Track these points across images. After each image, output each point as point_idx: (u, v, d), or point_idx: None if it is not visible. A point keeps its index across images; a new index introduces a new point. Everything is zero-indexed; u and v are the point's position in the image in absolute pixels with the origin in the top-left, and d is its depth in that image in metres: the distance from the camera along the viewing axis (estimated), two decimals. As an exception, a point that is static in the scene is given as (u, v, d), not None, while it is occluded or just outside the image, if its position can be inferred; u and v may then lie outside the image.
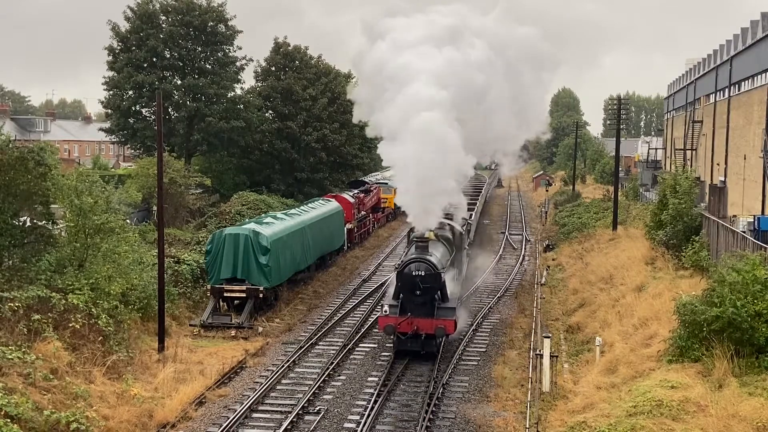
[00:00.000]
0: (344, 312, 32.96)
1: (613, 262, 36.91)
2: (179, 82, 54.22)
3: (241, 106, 55.55)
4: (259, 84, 61.01)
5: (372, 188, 57.06)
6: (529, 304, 34.88)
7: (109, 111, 55.28)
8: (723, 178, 49.90)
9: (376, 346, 28.02)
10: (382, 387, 23.08)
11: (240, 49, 56.33)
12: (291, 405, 21.80)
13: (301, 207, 41.76)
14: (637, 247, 37.14)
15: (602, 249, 42.58)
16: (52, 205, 27.11)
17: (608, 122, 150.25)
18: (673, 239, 33.58)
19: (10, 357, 19.03)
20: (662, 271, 31.23)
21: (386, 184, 58.76)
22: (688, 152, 63.48)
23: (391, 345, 26.32)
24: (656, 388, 18.07)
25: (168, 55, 53.69)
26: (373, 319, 30.80)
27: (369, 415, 20.78)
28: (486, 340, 29.13)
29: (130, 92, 53.54)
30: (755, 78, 45.06)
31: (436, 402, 22.02)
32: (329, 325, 30.80)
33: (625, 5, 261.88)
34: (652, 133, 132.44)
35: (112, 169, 70.43)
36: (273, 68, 61.15)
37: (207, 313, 29.87)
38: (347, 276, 41.65)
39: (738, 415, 16.20)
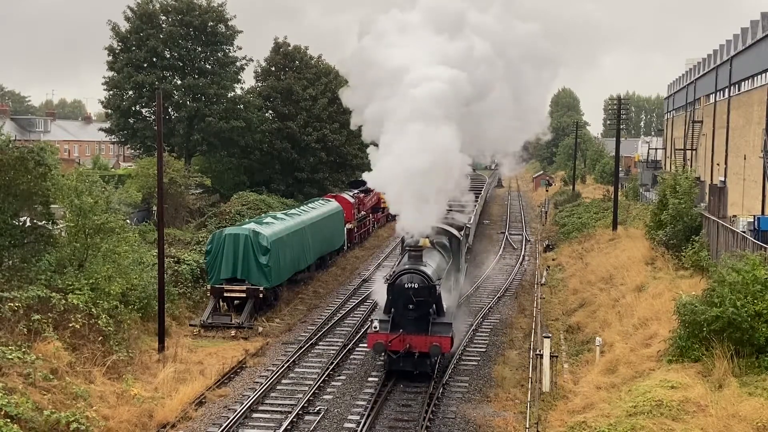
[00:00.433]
0: (344, 312, 32.96)
1: (613, 262, 36.91)
2: (179, 82, 54.21)
3: (241, 106, 55.54)
4: (259, 84, 61.00)
5: (372, 188, 57.02)
6: (529, 304, 34.89)
7: (109, 111, 55.26)
8: (723, 178, 49.91)
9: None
10: (382, 387, 23.07)
11: (240, 49, 56.36)
12: (291, 405, 21.81)
13: (301, 207, 41.76)
14: (637, 247, 37.15)
15: (602, 249, 42.59)
16: (52, 205, 27.11)
17: (608, 122, 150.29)
18: (673, 239, 33.59)
19: (10, 357, 19.03)
20: (662, 271, 31.24)
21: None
22: (688, 152, 63.49)
23: (382, 363, 24.42)
24: (656, 388, 18.07)
25: (168, 55, 53.67)
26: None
27: (369, 416, 20.77)
28: (486, 340, 29.13)
29: (130, 92, 53.51)
30: (755, 78, 45.07)
31: (436, 402, 22.02)
32: (329, 325, 30.80)
33: (625, 5, 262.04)
34: (652, 133, 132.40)
35: (112, 169, 70.43)
36: (273, 68, 61.13)
37: (207, 313, 29.88)
38: (347, 276, 41.65)
39: (738, 415, 16.20)
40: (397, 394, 22.92)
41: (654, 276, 30.81)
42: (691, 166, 53.91)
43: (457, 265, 29.07)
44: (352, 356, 26.81)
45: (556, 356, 23.69)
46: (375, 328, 23.39)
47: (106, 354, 22.47)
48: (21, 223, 26.51)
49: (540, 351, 22.83)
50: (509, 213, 75.58)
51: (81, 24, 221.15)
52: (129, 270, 27.03)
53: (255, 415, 21.25)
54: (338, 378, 24.44)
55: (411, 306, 23.07)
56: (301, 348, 27.29)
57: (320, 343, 28.37)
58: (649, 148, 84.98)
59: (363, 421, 20.49)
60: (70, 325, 22.34)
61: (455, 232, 29.68)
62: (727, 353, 18.90)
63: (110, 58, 53.76)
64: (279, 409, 21.62)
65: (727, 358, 18.81)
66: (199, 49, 54.57)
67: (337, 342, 28.45)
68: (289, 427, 20.19)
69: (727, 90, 52.58)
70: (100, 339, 22.81)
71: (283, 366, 25.11)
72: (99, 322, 23.18)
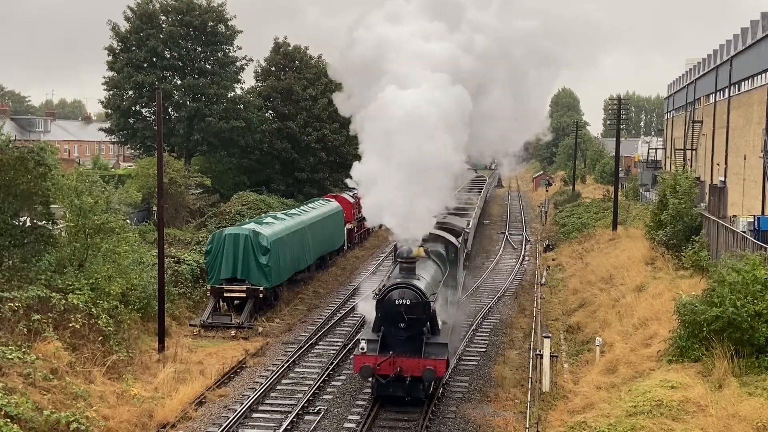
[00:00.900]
0: (344, 312, 32.96)
1: (613, 262, 36.92)
2: (179, 82, 54.21)
3: (241, 106, 55.54)
4: (259, 84, 60.99)
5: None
6: (529, 304, 34.89)
7: (109, 111, 55.26)
8: (723, 178, 49.91)
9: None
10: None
11: (240, 49, 56.37)
12: (291, 405, 21.81)
13: (301, 207, 41.77)
14: (637, 247, 37.16)
15: (602, 249, 42.60)
16: (52, 205, 27.11)
17: (608, 122, 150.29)
18: (673, 239, 33.60)
19: (10, 357, 19.04)
20: (662, 271, 31.24)
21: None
22: (688, 152, 63.50)
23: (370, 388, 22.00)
24: (656, 388, 18.08)
25: (168, 55, 53.67)
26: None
27: (369, 415, 20.77)
28: (486, 340, 29.13)
29: (130, 92, 53.51)
30: (755, 78, 45.08)
31: (436, 402, 22.01)
32: (329, 325, 30.80)
33: (625, 5, 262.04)
34: (652, 133, 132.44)
35: (112, 169, 70.42)
36: (273, 68, 61.12)
37: (207, 313, 29.88)
38: (347, 276, 41.65)
39: (738, 415, 16.20)
40: (397, 394, 22.90)
41: (654, 276, 30.81)
42: (691, 166, 53.92)
43: (455, 276, 26.90)
44: (352, 356, 26.77)
45: (556, 356, 23.68)
46: (362, 349, 20.98)
47: (106, 354, 22.47)
48: (21, 223, 26.51)
49: (540, 351, 22.84)
50: (509, 213, 75.58)
51: (81, 24, 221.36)
52: (129, 270, 27.03)
53: (255, 415, 21.25)
54: (338, 378, 24.43)
55: (402, 325, 20.81)
56: (301, 348, 27.29)
57: (320, 343, 28.37)
58: (649, 148, 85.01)
59: (363, 420, 20.49)
60: (70, 325, 22.34)
61: (452, 239, 27.50)
62: (727, 353, 18.90)
63: (110, 58, 53.76)
64: (279, 409, 21.62)
65: (727, 358, 18.82)
66: (199, 49, 54.58)
67: (337, 342, 28.44)
68: (289, 427, 20.19)
69: (727, 90, 52.59)
70: (100, 339, 22.81)
71: (283, 366, 25.11)
72: (99, 322, 23.18)
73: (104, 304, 24.15)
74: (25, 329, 21.10)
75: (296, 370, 25.26)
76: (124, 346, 23.48)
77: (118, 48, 53.58)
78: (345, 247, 46.06)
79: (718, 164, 53.46)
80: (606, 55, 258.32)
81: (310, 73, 60.73)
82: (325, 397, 22.71)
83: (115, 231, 26.71)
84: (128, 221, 33.63)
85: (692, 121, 63.67)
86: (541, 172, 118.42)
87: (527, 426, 19.85)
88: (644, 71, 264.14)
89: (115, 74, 53.44)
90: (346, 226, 45.96)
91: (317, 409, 21.59)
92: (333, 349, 27.43)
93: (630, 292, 29.78)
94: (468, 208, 47.61)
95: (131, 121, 54.54)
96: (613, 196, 50.32)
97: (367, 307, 23.39)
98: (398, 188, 20.79)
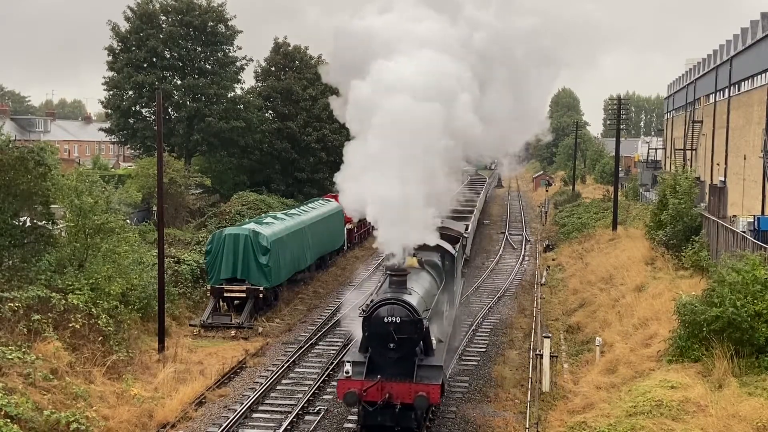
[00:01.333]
0: (344, 312, 32.94)
1: (613, 262, 36.93)
2: (179, 82, 54.24)
3: (241, 106, 55.57)
4: (259, 84, 61.01)
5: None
6: (529, 304, 34.91)
7: (109, 111, 55.30)
8: (723, 178, 49.92)
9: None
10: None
11: (240, 49, 56.42)
12: (291, 405, 21.81)
13: (301, 207, 41.77)
14: (637, 247, 37.17)
15: (602, 249, 42.61)
16: (52, 205, 27.11)
17: (608, 122, 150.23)
18: (673, 239, 33.61)
19: (10, 357, 19.04)
20: (662, 271, 31.25)
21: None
22: (688, 152, 63.51)
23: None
24: (656, 388, 18.08)
25: (168, 55, 53.70)
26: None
27: None
28: (486, 340, 29.13)
29: (130, 92, 53.55)
30: (755, 78, 45.09)
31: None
32: (329, 325, 30.80)
33: (625, 5, 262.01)
34: (652, 133, 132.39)
35: (112, 169, 70.43)
36: (273, 68, 61.14)
37: (207, 313, 29.88)
38: (347, 276, 41.65)
39: (738, 415, 16.21)
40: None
41: (654, 276, 30.82)
42: (691, 166, 53.95)
43: (452, 287, 24.47)
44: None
45: (556, 356, 23.68)
46: (346, 372, 18.78)
47: (106, 354, 22.47)
48: (21, 223, 26.51)
49: (540, 351, 22.84)
50: (509, 213, 75.57)
51: (81, 24, 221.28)
52: (129, 270, 27.04)
53: (255, 415, 21.25)
54: (338, 378, 24.38)
55: (392, 345, 18.58)
56: (301, 348, 27.29)
57: (320, 343, 28.37)
58: (649, 148, 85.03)
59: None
60: (70, 325, 22.34)
61: (448, 247, 24.79)
62: (727, 353, 18.91)
63: (110, 58, 53.79)
64: (279, 409, 21.62)
65: (727, 358, 18.83)
66: (199, 49, 54.61)
67: (337, 342, 28.44)
68: (289, 427, 20.20)
69: (727, 90, 52.60)
70: (100, 339, 22.81)
71: (283, 366, 25.11)
72: (99, 322, 23.18)
73: (104, 304, 24.15)
74: (25, 329, 21.10)
75: (296, 370, 25.26)
76: (124, 346, 23.48)
77: (118, 48, 53.61)
78: (345, 247, 46.06)
79: (718, 164, 53.47)
80: (606, 55, 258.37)
81: (310, 73, 60.72)
82: (325, 397, 22.72)
83: (115, 231, 26.72)
84: (128, 221, 33.63)
85: (692, 121, 63.68)
86: (541, 172, 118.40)
87: (527, 426, 19.86)
88: (644, 71, 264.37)
89: (115, 74, 53.47)
90: (346, 226, 45.95)
91: (317, 409, 21.59)
92: (333, 349, 27.43)
93: (630, 292, 29.79)
94: (467, 210, 47.42)
95: (131, 121, 54.58)
96: (613, 196, 50.32)
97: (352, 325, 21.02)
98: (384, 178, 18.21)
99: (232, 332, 28.90)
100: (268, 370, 25.15)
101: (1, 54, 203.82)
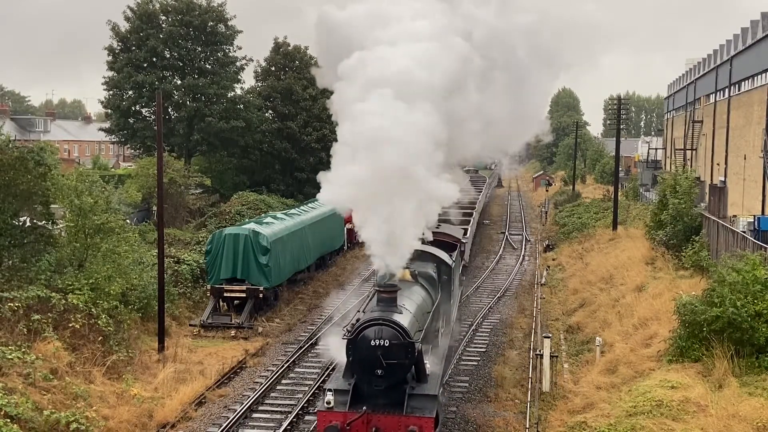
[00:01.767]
0: (344, 312, 32.93)
1: (613, 262, 36.93)
2: (179, 82, 54.24)
3: (241, 106, 55.58)
4: (259, 84, 61.03)
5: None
6: (529, 304, 34.90)
7: (109, 111, 55.32)
8: (723, 178, 49.92)
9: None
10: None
11: (240, 49, 56.45)
12: (291, 405, 21.81)
13: (301, 207, 41.76)
14: (637, 247, 37.17)
15: (602, 249, 42.60)
16: (52, 205, 27.10)
17: (608, 122, 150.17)
18: (673, 239, 33.61)
19: (10, 357, 19.03)
20: (662, 271, 31.25)
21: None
22: (688, 152, 63.52)
23: None
24: (656, 388, 18.08)
25: (168, 55, 53.72)
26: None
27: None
28: (486, 340, 29.13)
29: (130, 92, 53.57)
30: (755, 78, 45.08)
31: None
32: (329, 325, 30.78)
33: (625, 5, 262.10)
34: (652, 133, 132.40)
35: (112, 169, 70.44)
36: (273, 68, 61.14)
37: (207, 313, 29.88)
38: (347, 276, 41.63)
39: (738, 415, 16.21)
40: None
41: (654, 276, 30.82)
42: (691, 166, 53.97)
43: (448, 300, 22.44)
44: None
45: (556, 356, 23.68)
46: (328, 403, 16.43)
47: (106, 354, 22.47)
48: (21, 223, 26.50)
49: (540, 351, 22.84)
50: (509, 213, 75.55)
51: (81, 24, 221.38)
52: (129, 270, 27.02)
53: (255, 415, 21.25)
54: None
55: (379, 372, 16.32)
56: (301, 348, 27.28)
57: (320, 343, 28.35)
58: (649, 148, 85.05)
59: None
60: (70, 325, 22.34)
61: (445, 256, 22.66)
62: (727, 353, 18.91)
63: (110, 58, 53.81)
64: (279, 409, 21.62)
65: (727, 358, 18.82)
66: (199, 49, 54.61)
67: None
68: (289, 427, 20.20)
69: (727, 90, 52.59)
70: (100, 339, 22.80)
71: (283, 366, 25.11)
72: (99, 322, 23.17)
73: (104, 304, 24.14)
74: (25, 329, 21.10)
75: (296, 370, 25.26)
76: (124, 346, 23.48)
77: (118, 48, 53.63)
78: (345, 247, 46.05)
79: (718, 164, 53.47)
80: (606, 55, 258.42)
81: (310, 73, 60.72)
82: (325, 397, 22.69)
83: (115, 231, 26.69)
84: (128, 221, 33.62)
85: (692, 121, 63.68)
86: (541, 172, 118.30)
87: (527, 426, 19.86)
88: (644, 71, 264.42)
89: (115, 74, 53.48)
90: (346, 226, 45.94)
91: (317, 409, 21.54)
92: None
93: (630, 292, 29.79)
94: (467, 210, 47.24)
95: (131, 121, 54.59)
96: (613, 196, 50.32)
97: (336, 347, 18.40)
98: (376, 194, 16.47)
99: (232, 332, 28.89)
100: (268, 370, 25.15)
101: (1, 54, 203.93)
